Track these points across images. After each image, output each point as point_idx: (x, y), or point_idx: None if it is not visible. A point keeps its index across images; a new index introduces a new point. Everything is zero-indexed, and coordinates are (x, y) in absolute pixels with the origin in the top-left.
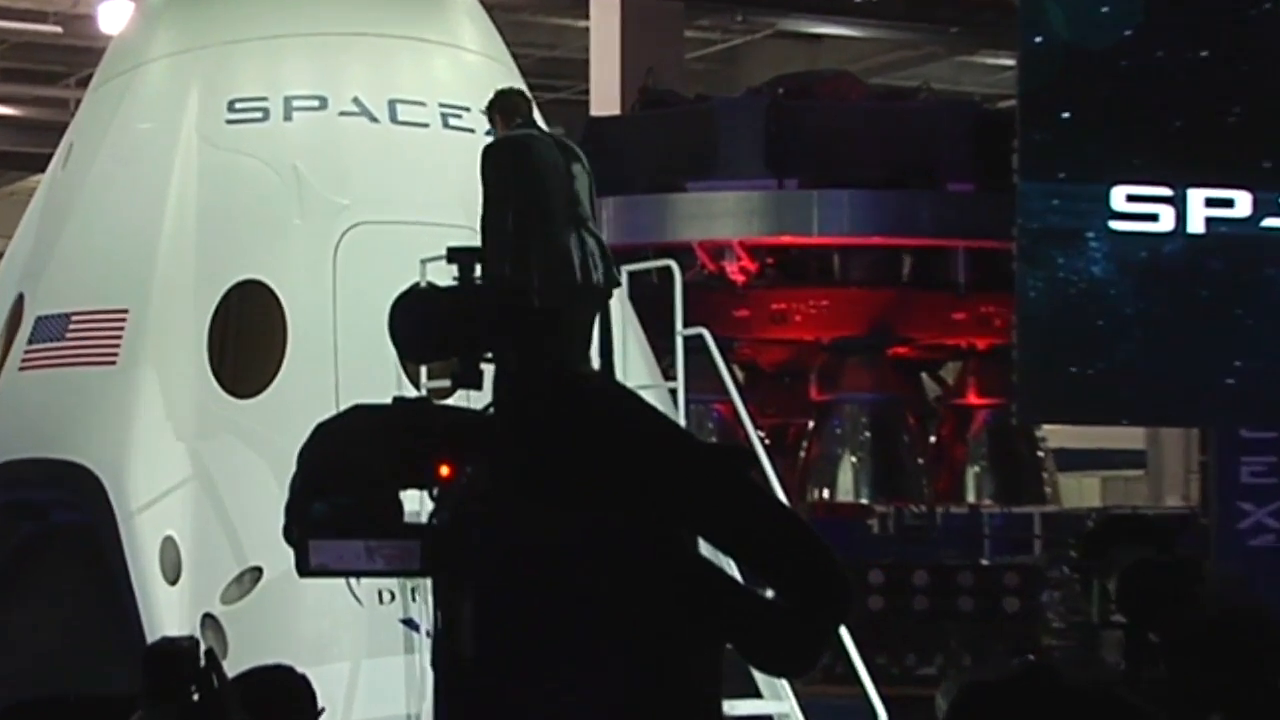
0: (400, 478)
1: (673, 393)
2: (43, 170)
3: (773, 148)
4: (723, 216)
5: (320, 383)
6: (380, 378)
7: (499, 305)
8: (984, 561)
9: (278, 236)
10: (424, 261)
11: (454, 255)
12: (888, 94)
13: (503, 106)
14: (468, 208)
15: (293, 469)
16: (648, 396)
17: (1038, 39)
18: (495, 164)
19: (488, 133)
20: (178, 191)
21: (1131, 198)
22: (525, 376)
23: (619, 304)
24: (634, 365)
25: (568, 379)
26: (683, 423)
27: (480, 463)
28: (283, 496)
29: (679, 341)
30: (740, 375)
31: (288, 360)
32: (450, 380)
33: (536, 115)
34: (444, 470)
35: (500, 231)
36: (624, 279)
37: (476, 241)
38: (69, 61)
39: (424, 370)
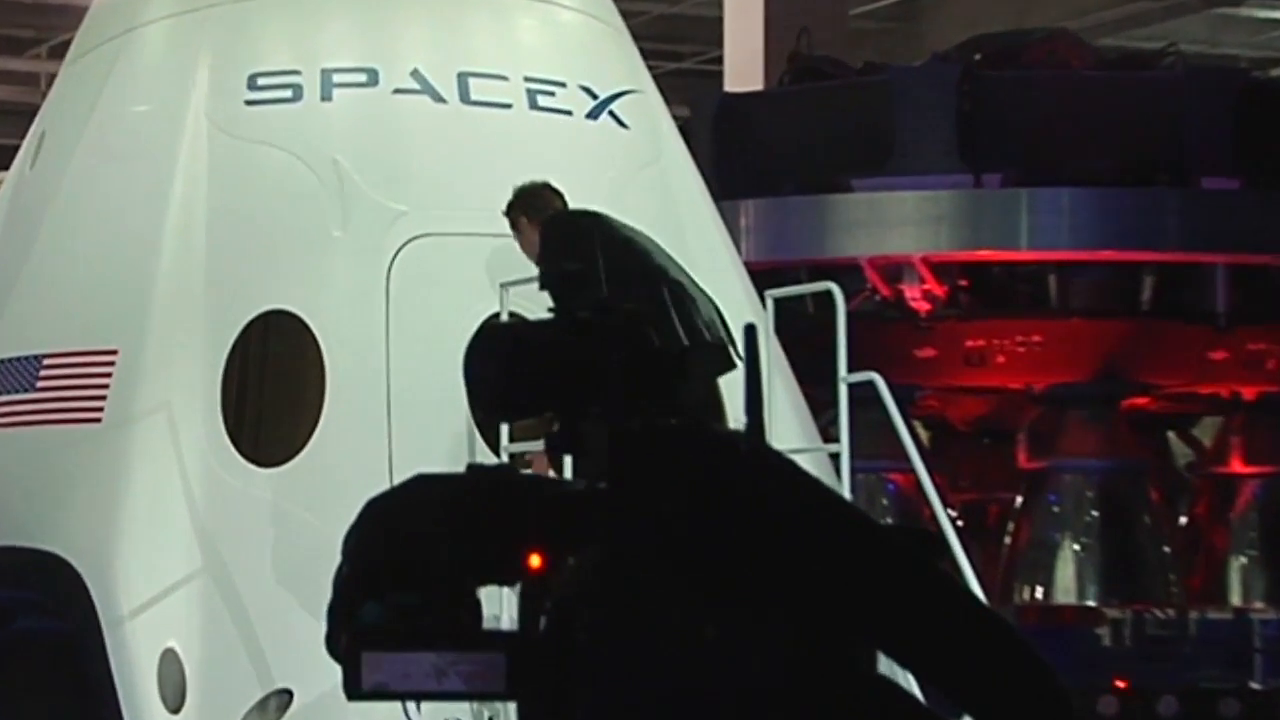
0: (478, 571)
1: (834, 458)
2: (6, 167)
3: (967, 133)
4: (901, 225)
5: (369, 446)
6: (448, 439)
7: (613, 343)
8: (1254, 685)
9: (313, 253)
10: (505, 286)
11: (548, 278)
12: (1121, 59)
13: (528, 206)
14: None
15: (336, 559)
16: (802, 463)
17: None
18: (564, 230)
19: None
20: (183, 195)
21: None
22: (650, 437)
23: (764, 343)
24: (783, 422)
25: (704, 441)
26: (849, 497)
27: (585, 551)
28: (322, 596)
29: (843, 391)
30: (924, 435)
31: (326, 416)
32: (543, 443)
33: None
34: (535, 561)
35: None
36: (770, 308)
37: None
38: (40, 24)
39: (505, 430)
